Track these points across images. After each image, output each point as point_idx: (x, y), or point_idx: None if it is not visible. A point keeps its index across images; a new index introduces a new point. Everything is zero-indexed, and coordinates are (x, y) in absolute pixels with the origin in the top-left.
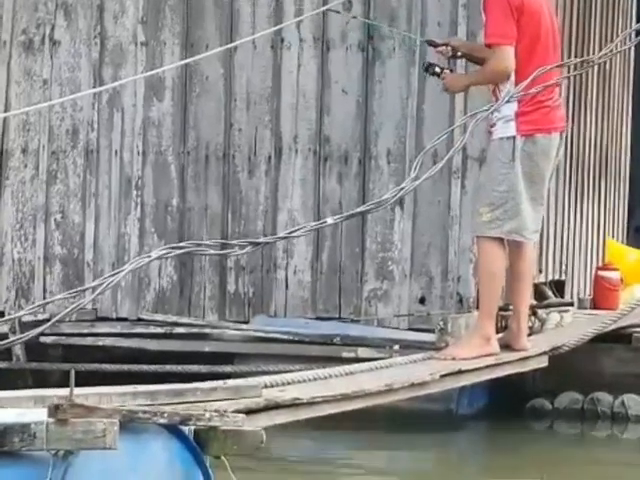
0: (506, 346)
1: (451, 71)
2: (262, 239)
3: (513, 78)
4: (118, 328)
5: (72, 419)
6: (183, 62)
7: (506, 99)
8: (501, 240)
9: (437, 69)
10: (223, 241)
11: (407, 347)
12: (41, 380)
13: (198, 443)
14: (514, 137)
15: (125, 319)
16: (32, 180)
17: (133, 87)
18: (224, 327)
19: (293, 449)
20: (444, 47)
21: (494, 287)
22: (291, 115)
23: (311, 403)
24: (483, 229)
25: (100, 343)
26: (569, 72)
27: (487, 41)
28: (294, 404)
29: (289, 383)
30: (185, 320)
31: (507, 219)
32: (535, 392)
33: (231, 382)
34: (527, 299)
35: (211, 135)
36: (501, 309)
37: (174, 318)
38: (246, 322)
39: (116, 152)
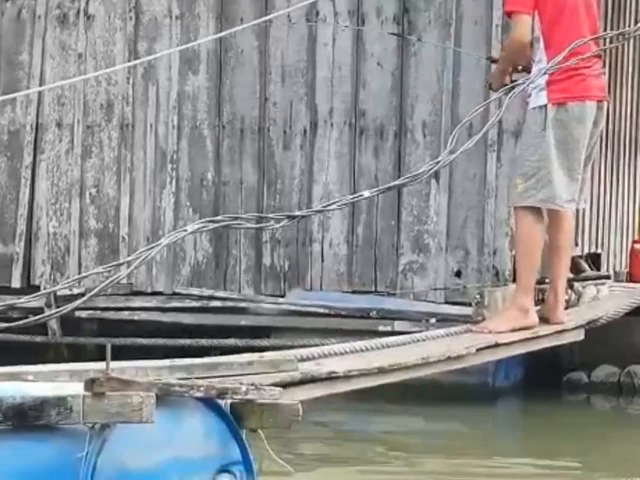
0: (543, 319)
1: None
2: (298, 212)
3: (542, 46)
4: (153, 302)
5: (108, 392)
6: (218, 35)
7: (542, 73)
8: (538, 211)
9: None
10: (260, 214)
11: (443, 320)
12: (76, 354)
13: (234, 416)
14: (545, 105)
15: (160, 293)
16: (67, 154)
17: (168, 61)
18: (260, 301)
19: (330, 422)
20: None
21: (531, 259)
22: (326, 88)
23: (347, 377)
24: (518, 199)
25: (135, 317)
26: (605, 45)
27: (505, 9)
28: (330, 377)
29: (325, 356)
30: (221, 294)
31: (540, 188)
32: (571, 365)
33: (267, 356)
34: (565, 272)
35: (246, 109)
36: (538, 282)
37: (210, 292)
38: (282, 296)
39: (151, 126)
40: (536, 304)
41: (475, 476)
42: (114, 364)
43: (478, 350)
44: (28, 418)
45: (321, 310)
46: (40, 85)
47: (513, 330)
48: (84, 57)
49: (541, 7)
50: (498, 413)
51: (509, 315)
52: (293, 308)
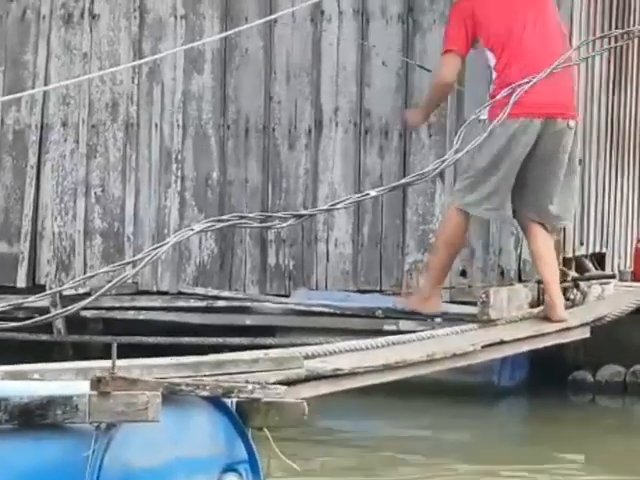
0: (546, 318)
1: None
2: (304, 211)
3: (493, 65)
4: (159, 302)
5: (114, 392)
6: (223, 35)
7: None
8: (466, 214)
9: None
10: (266, 214)
11: (449, 320)
12: (82, 353)
13: (240, 415)
14: (485, 120)
15: (166, 293)
16: (72, 154)
17: (173, 60)
18: (265, 300)
19: (335, 420)
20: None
21: (446, 256)
22: (331, 88)
23: (353, 374)
24: (452, 198)
25: (141, 317)
26: (610, 44)
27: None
28: (336, 375)
29: (330, 354)
30: (226, 294)
31: (468, 192)
32: (577, 365)
33: (273, 353)
34: (554, 277)
35: (251, 108)
36: (538, 282)
37: (215, 292)
38: (287, 295)
39: (156, 125)
40: (538, 304)
41: (480, 475)
42: (120, 362)
43: (484, 347)
44: (34, 417)
45: (326, 310)
46: (45, 85)
47: (414, 312)
48: (89, 57)
49: (487, 38)
50: (503, 412)
51: (415, 298)
52: (298, 308)
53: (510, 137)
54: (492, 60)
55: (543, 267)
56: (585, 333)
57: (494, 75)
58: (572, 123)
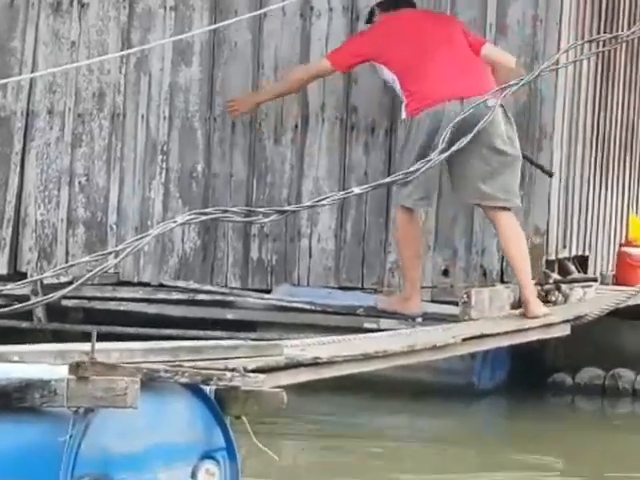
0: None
1: None
2: (288, 207)
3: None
4: (140, 293)
5: (93, 377)
6: (212, 27)
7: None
8: (410, 210)
9: None
10: (249, 208)
11: (430, 319)
12: (62, 341)
13: (219, 403)
14: (404, 118)
15: (147, 284)
16: (57, 142)
17: (161, 52)
18: (246, 295)
19: (315, 413)
20: None
21: (408, 253)
22: (318, 84)
23: (332, 362)
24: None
25: (122, 308)
26: (598, 48)
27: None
28: (315, 363)
29: (310, 345)
30: (208, 287)
31: (402, 188)
32: (556, 367)
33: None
34: (523, 277)
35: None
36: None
37: (196, 285)
38: (269, 290)
39: (142, 116)
40: (520, 306)
41: (458, 473)
42: (99, 345)
43: (464, 340)
44: (12, 400)
45: (307, 307)
46: (32, 72)
47: (394, 312)
48: (77, 45)
49: (388, 64)
50: (482, 411)
51: (395, 299)
52: (279, 303)
53: (424, 129)
54: (396, 81)
55: (513, 267)
56: (566, 330)
57: (397, 86)
58: (490, 102)
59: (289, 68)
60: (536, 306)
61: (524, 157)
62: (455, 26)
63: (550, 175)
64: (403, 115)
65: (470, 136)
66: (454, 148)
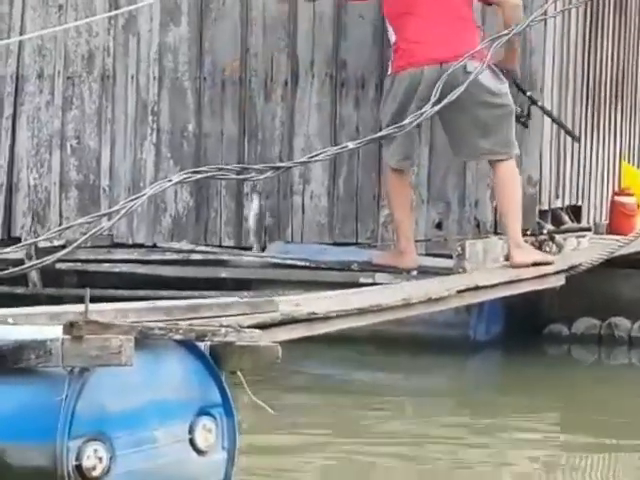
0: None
1: None
2: (282, 164)
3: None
4: (134, 255)
5: (87, 336)
6: None
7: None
8: (396, 169)
9: None
10: (243, 165)
11: (424, 272)
12: (57, 305)
13: (214, 359)
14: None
15: (141, 245)
16: (47, 106)
17: (149, 12)
18: (240, 254)
19: (311, 368)
20: None
21: (397, 212)
22: (307, 40)
23: (327, 317)
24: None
25: (116, 270)
26: None
27: None
28: (310, 318)
29: (305, 301)
30: (202, 248)
31: (386, 148)
32: (552, 318)
33: (248, 298)
34: (511, 232)
35: (227, 60)
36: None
37: (190, 246)
38: (263, 248)
39: (132, 77)
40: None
41: (453, 427)
42: (93, 306)
43: (459, 292)
44: (7, 361)
45: (302, 263)
46: (21, 35)
47: (389, 266)
48: (65, 9)
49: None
50: (478, 364)
51: (389, 254)
52: (274, 261)
53: (404, 89)
54: (392, 35)
55: (503, 224)
56: (560, 281)
57: (392, 39)
58: (470, 67)
59: (277, 25)
60: (520, 254)
61: (553, 120)
62: None
63: (577, 140)
64: (389, 71)
65: (446, 101)
66: (445, 102)
